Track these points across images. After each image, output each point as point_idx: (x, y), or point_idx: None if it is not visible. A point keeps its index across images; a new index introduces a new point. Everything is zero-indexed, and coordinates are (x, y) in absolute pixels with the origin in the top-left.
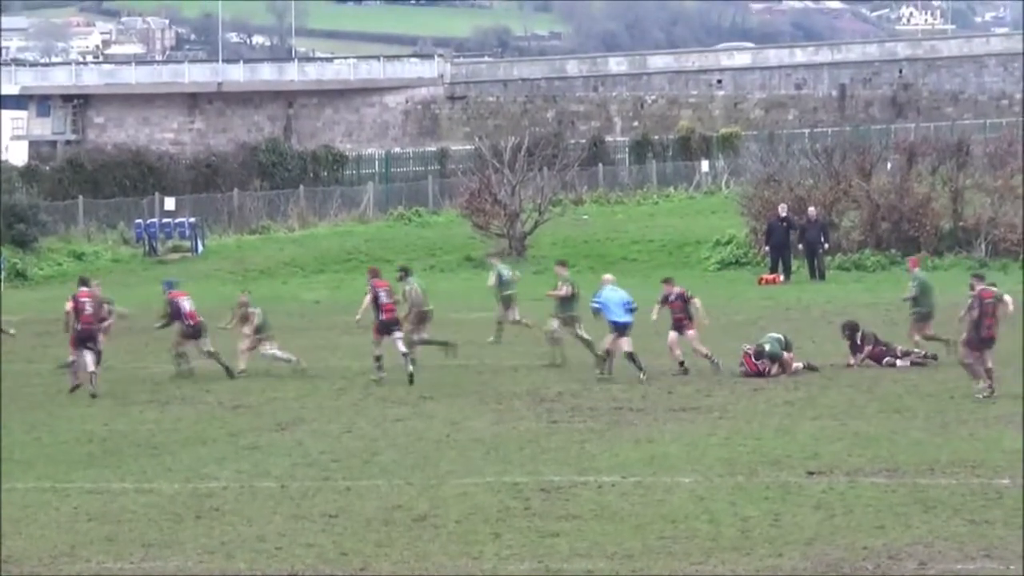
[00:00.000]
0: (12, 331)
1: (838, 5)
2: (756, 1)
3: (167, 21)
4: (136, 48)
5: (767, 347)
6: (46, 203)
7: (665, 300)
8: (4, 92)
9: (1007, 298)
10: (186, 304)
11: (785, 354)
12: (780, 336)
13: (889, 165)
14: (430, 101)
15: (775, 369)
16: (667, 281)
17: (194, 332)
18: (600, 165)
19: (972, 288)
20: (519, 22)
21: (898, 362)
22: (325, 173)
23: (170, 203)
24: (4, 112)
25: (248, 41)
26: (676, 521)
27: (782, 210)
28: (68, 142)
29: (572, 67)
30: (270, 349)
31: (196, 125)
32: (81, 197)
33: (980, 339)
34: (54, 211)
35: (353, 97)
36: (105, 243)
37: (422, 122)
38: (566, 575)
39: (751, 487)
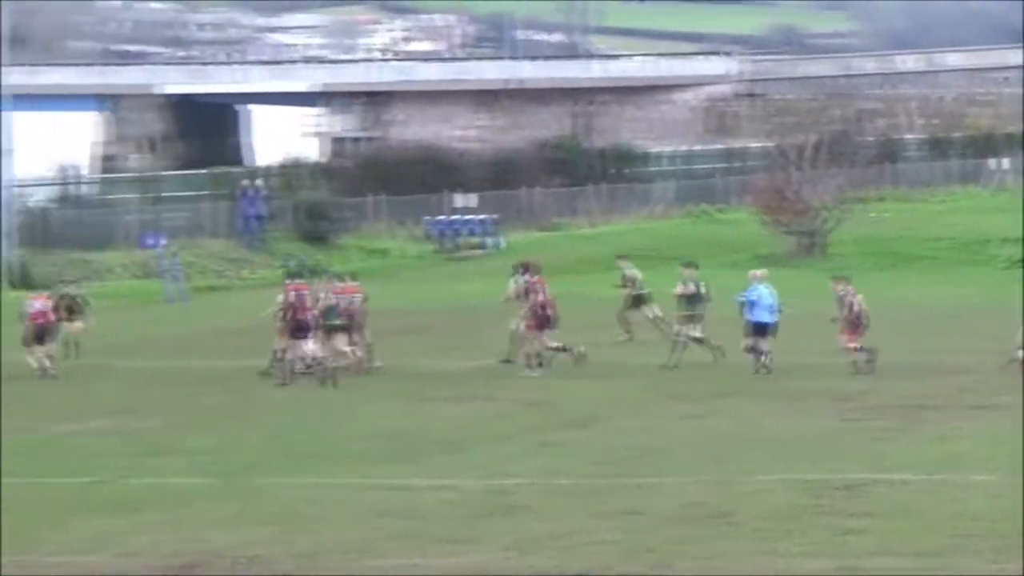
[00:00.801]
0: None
1: None
2: None
3: (462, 18)
4: (431, 45)
5: None
6: (342, 200)
7: None
8: (300, 89)
9: None
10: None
11: None
12: None
13: None
14: (723, 98)
15: None
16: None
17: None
18: (890, 163)
19: None
20: (807, 19)
21: None
22: (619, 170)
23: (465, 200)
24: (301, 110)
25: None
26: (974, 519)
27: None
28: (364, 139)
29: (864, 64)
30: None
31: (490, 122)
32: (377, 194)
33: None
34: (350, 208)
35: (647, 94)
36: (400, 240)
37: (715, 119)
38: (864, 573)
39: None
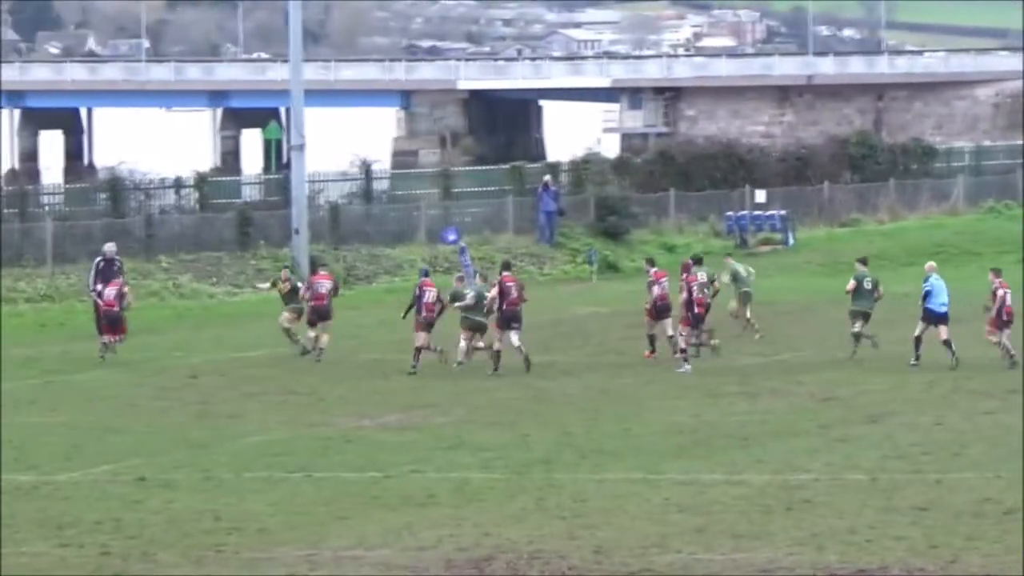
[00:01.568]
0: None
1: None
2: None
3: (758, 14)
4: (727, 41)
5: None
6: (637, 195)
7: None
8: (597, 85)
9: None
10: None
11: None
12: None
13: None
14: (1020, 94)
15: None
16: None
17: (426, 325)
18: None
19: None
20: None
21: None
22: (915, 166)
23: (761, 195)
24: (598, 105)
25: (838, 34)
26: None
27: None
28: (659, 134)
29: None
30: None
31: (786, 118)
32: (672, 189)
33: None
34: (645, 203)
35: (943, 90)
36: (696, 235)
37: (1012, 115)
38: None
39: None
